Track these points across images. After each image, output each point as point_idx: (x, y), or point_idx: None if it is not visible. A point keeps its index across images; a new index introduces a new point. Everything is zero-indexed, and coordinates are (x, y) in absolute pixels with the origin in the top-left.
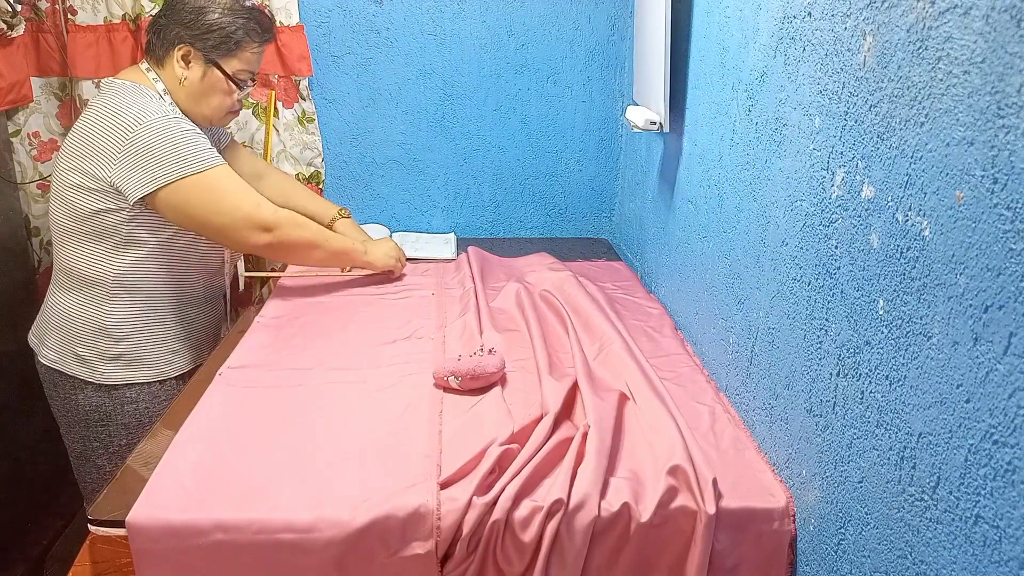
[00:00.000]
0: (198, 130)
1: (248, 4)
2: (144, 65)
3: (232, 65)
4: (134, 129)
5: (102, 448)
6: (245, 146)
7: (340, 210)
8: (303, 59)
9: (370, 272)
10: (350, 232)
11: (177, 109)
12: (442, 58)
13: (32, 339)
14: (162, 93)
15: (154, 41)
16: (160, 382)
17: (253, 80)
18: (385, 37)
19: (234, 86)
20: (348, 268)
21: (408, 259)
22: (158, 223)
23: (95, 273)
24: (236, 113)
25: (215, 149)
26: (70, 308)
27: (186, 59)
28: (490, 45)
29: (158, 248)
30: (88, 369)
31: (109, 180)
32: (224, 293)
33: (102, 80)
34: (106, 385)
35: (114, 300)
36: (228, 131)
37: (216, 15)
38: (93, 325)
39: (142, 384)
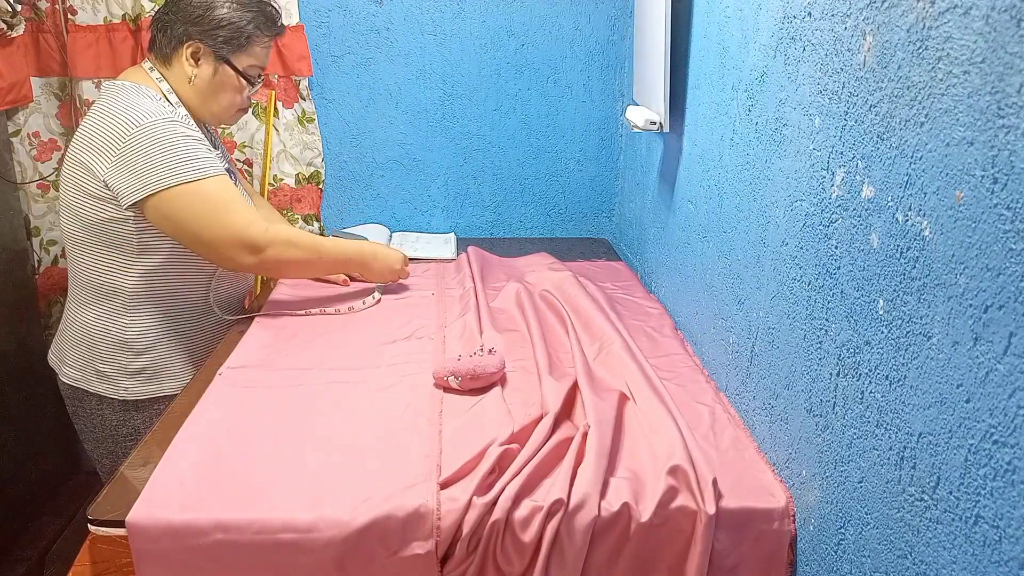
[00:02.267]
0: (199, 136)
1: None
2: (147, 65)
3: (243, 61)
4: (130, 131)
5: None
6: (245, 146)
7: None
8: (303, 59)
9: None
10: None
11: (182, 111)
12: (442, 58)
13: (52, 358)
14: (166, 93)
15: (159, 39)
16: None
17: (261, 75)
18: (385, 37)
19: (245, 82)
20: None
21: (408, 259)
22: None
23: (111, 284)
24: (245, 111)
25: (215, 158)
26: (89, 323)
27: (195, 56)
28: (490, 45)
29: (174, 254)
30: (111, 385)
31: (108, 185)
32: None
33: (103, 82)
34: (131, 400)
35: (133, 312)
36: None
37: (225, 10)
38: (113, 339)
39: (170, 397)
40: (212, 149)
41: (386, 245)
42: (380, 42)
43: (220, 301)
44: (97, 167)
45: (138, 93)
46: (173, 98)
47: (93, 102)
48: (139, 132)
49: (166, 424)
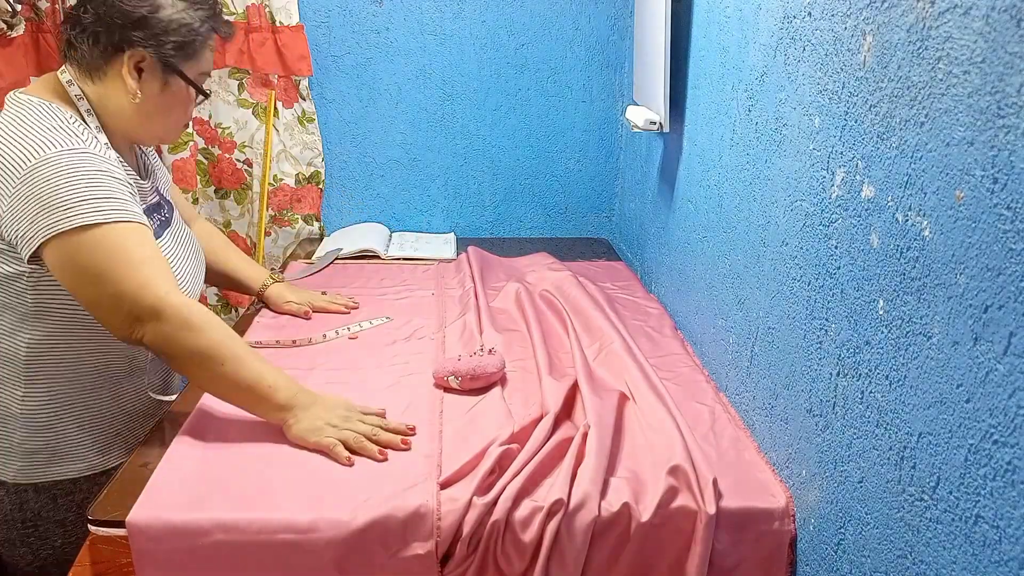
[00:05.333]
0: (117, 172)
1: None
2: (66, 77)
3: (194, 69)
4: (26, 166)
5: (30, 554)
6: (245, 146)
7: (271, 274)
8: (303, 59)
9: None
10: (285, 296)
11: (103, 137)
12: (442, 58)
13: None
14: (84, 114)
15: (83, 47)
16: (103, 473)
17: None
18: (385, 37)
19: (197, 94)
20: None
21: (408, 259)
22: None
23: (1, 349)
24: (187, 125)
25: (133, 202)
26: None
27: (140, 68)
28: (490, 45)
29: (79, 314)
30: (0, 468)
31: (3, 234)
32: None
33: (8, 95)
34: (27, 484)
35: (31, 382)
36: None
37: (171, 10)
38: (3, 414)
39: (78, 479)
40: (137, 184)
41: (329, 398)
42: (380, 42)
43: (140, 367)
44: None
45: (45, 115)
46: (93, 121)
47: None
48: (38, 167)
49: (166, 424)
